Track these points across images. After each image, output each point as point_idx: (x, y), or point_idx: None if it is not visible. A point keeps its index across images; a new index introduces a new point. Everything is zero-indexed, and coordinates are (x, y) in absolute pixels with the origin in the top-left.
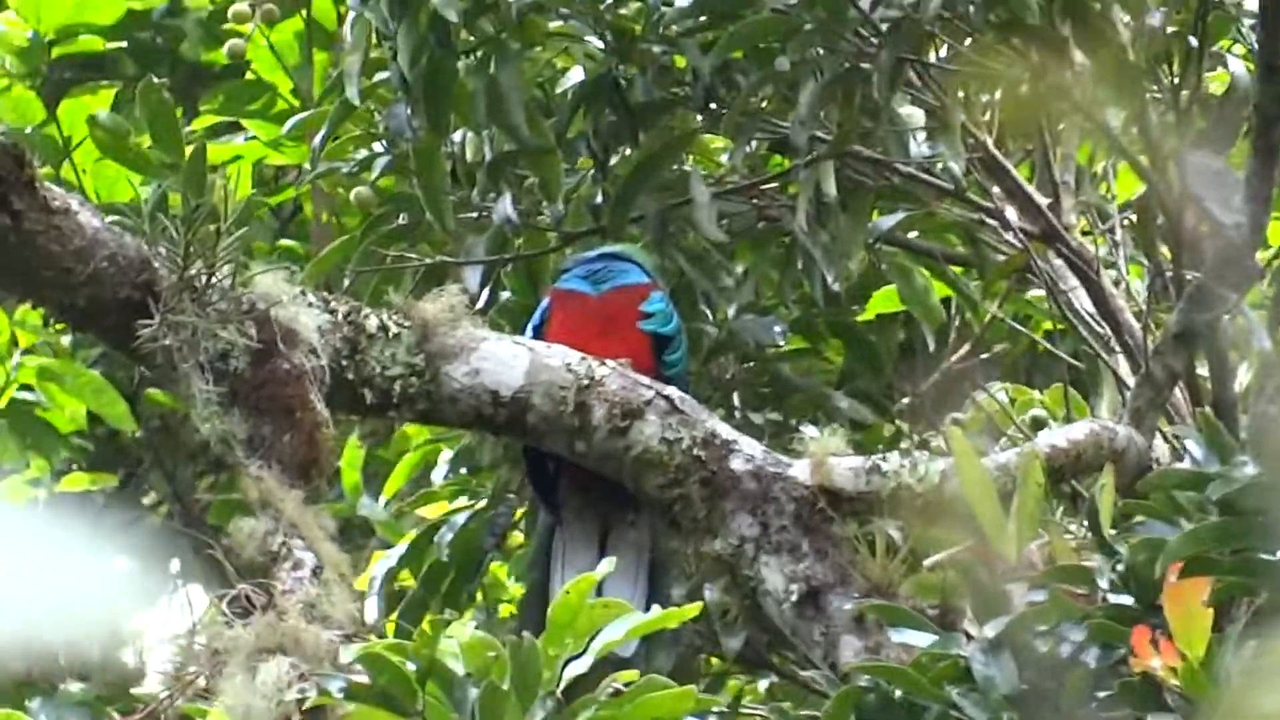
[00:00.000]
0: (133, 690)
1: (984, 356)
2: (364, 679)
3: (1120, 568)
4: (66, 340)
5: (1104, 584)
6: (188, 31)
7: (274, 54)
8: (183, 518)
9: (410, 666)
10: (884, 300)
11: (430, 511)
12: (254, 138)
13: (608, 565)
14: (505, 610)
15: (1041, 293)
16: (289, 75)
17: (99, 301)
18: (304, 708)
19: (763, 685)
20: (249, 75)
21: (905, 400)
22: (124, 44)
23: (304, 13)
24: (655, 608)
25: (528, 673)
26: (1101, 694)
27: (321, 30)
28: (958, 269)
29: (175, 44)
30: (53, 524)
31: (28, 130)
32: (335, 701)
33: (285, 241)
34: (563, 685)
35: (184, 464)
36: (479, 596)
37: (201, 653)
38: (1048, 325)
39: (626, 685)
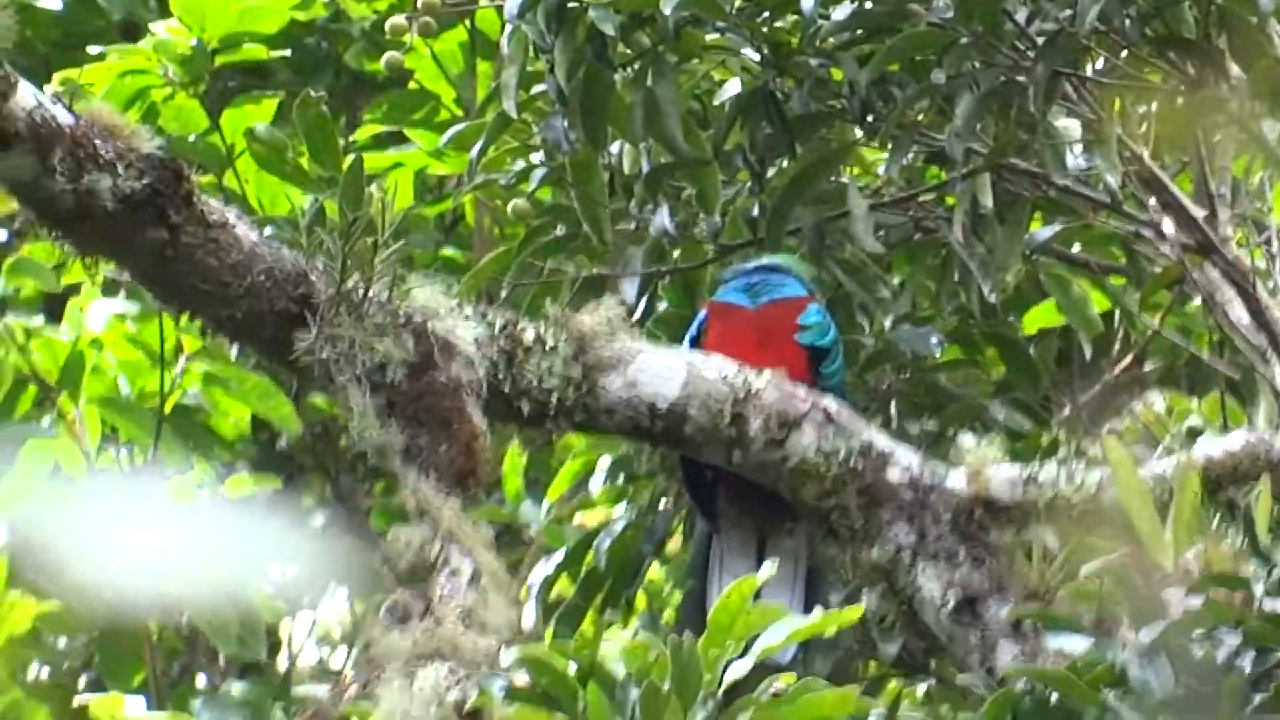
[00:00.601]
0: (294, 692)
1: (1146, 370)
2: (525, 681)
3: (1276, 574)
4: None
5: (1259, 590)
6: (352, 39)
7: (437, 63)
8: (343, 522)
9: (571, 668)
10: (1043, 314)
11: (588, 519)
12: (417, 147)
13: (770, 568)
14: (667, 617)
15: (1199, 303)
16: (452, 85)
17: (256, 314)
18: (465, 709)
19: (920, 690)
20: (412, 84)
21: (1065, 412)
22: (287, 53)
23: (467, 22)
24: (817, 610)
25: (688, 674)
26: (1257, 698)
27: (485, 39)
28: (1115, 280)
29: (339, 52)
30: (219, 523)
31: (190, 139)
32: (496, 702)
33: (447, 250)
34: (723, 687)
35: (345, 469)
36: (641, 603)
37: (361, 658)
38: (1205, 337)
39: (786, 688)
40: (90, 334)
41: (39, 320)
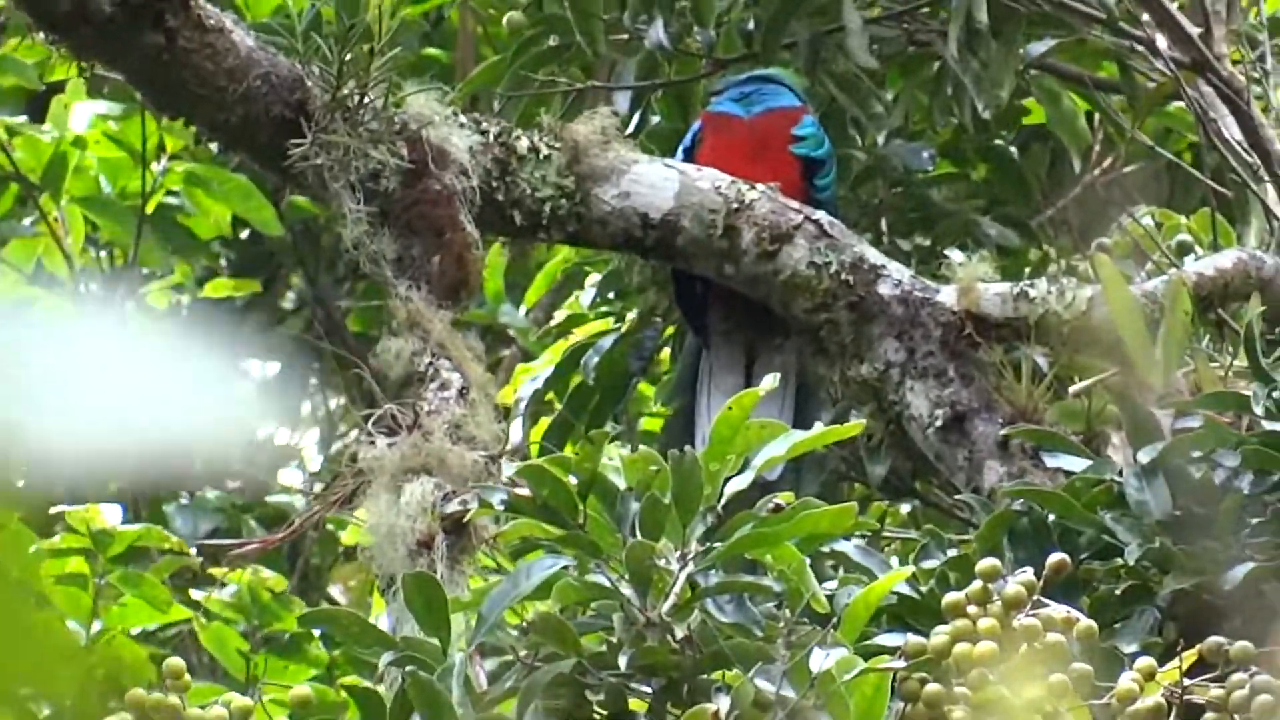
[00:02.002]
0: (268, 499)
1: (1127, 170)
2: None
3: (1276, 394)
4: (212, 146)
5: (1259, 410)
6: None
7: None
8: (324, 324)
9: (572, 480)
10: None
11: (578, 333)
12: None
13: (771, 380)
14: (646, 424)
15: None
16: None
17: (251, 120)
18: (465, 520)
19: (904, 510)
20: None
21: (1047, 214)
22: None
23: None
24: (816, 424)
25: (689, 488)
26: (1254, 520)
27: None
28: (1106, 96)
29: None
30: (190, 331)
31: None
32: (496, 513)
33: (430, 50)
34: (723, 501)
35: (326, 270)
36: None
37: (346, 470)
38: (1185, 142)
39: (785, 504)
40: (73, 133)
41: (22, 119)
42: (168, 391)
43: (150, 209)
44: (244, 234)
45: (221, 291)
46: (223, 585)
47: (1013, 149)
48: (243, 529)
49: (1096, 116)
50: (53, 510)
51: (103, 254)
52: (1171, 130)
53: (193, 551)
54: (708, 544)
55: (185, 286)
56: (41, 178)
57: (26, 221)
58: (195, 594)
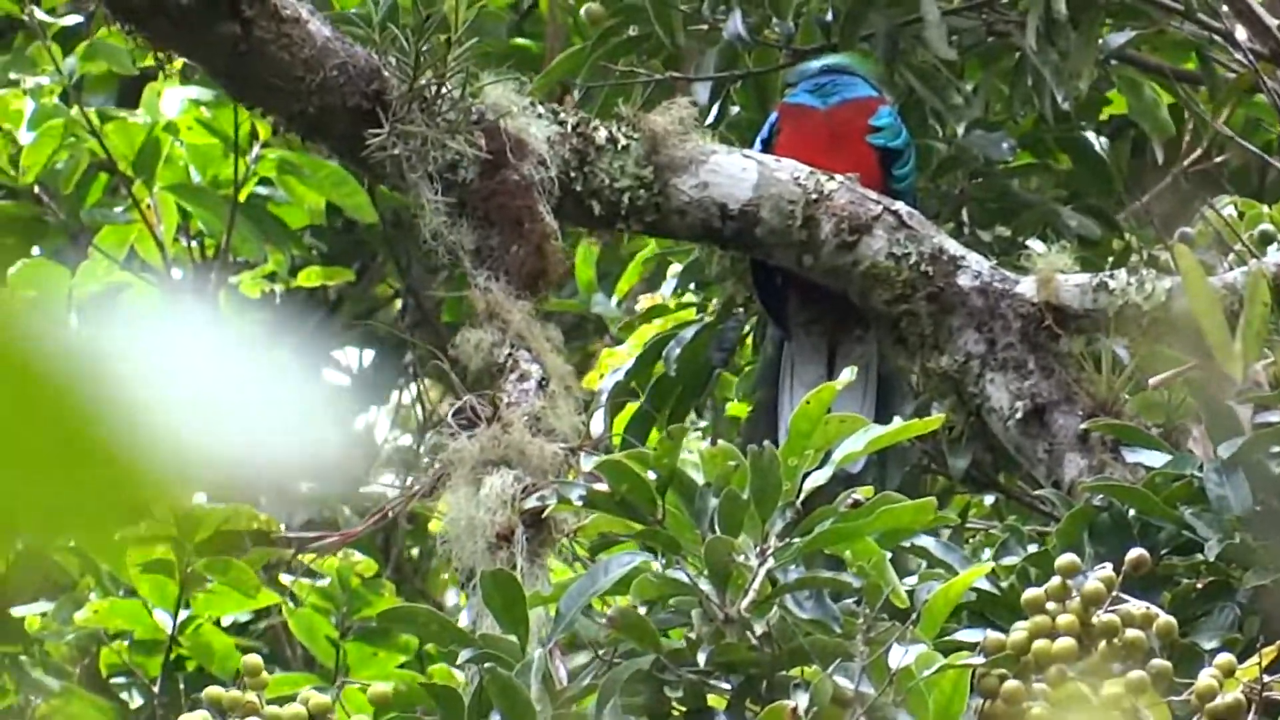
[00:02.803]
0: (361, 490)
1: (1217, 161)
2: (603, 488)
3: None
4: None
5: None
6: None
7: None
8: (415, 313)
9: (651, 476)
10: (1116, 107)
11: (662, 324)
12: None
13: (849, 374)
14: (733, 409)
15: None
16: None
17: (329, 110)
18: (544, 514)
19: (988, 502)
20: None
21: (1135, 205)
22: None
23: None
24: (896, 419)
25: (767, 483)
26: None
27: None
28: (1188, 87)
29: None
30: (283, 320)
31: None
32: (575, 508)
33: (519, 40)
34: (802, 496)
35: (419, 259)
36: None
37: (428, 462)
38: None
39: (865, 499)
40: (165, 119)
41: (113, 105)
42: (259, 382)
43: (243, 197)
44: (338, 223)
45: (314, 280)
46: (313, 575)
47: (1095, 139)
48: (339, 520)
49: (1185, 111)
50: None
51: (194, 243)
52: (1261, 121)
53: (283, 530)
54: (787, 540)
55: (278, 275)
56: (134, 165)
57: (119, 210)
58: (285, 578)
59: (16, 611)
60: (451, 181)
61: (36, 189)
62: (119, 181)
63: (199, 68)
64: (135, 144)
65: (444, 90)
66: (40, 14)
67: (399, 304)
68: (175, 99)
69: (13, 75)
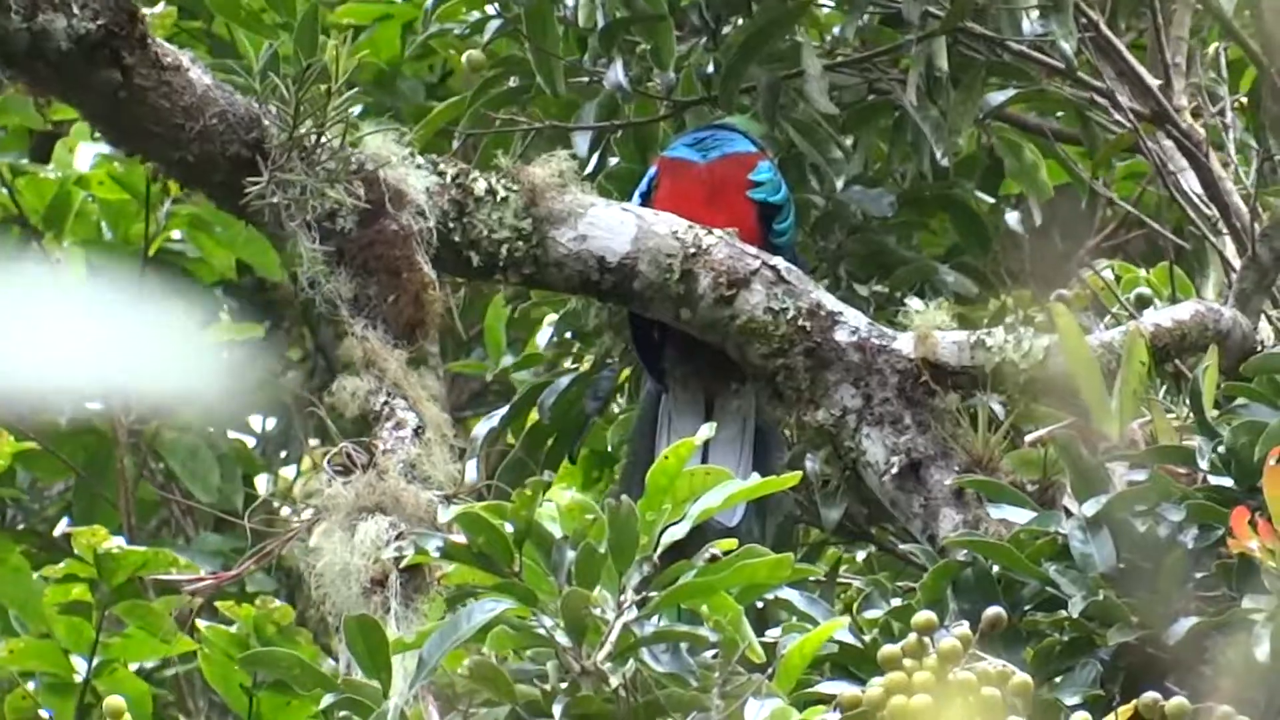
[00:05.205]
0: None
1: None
2: (462, 539)
3: (1221, 449)
4: None
5: (1204, 465)
6: None
7: None
8: (325, 372)
9: (508, 528)
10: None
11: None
12: None
13: (707, 430)
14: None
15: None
16: None
17: (208, 157)
18: (401, 565)
19: (860, 556)
20: None
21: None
22: None
23: None
24: (755, 475)
25: (624, 537)
26: (1199, 574)
27: None
28: (1068, 148)
29: None
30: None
31: None
32: (432, 560)
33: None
34: (659, 550)
35: (326, 319)
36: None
37: (303, 509)
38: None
39: (725, 554)
40: (76, 173)
41: (25, 160)
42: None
43: (153, 252)
44: (247, 279)
45: (224, 337)
46: (229, 622)
47: (973, 197)
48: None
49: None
50: (58, 532)
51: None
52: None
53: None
54: (644, 593)
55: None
56: (44, 219)
57: (28, 264)
58: (202, 624)
59: None
60: (330, 230)
61: None
62: (30, 235)
63: (79, 113)
64: (46, 198)
65: (324, 139)
66: None
67: (309, 365)
68: (88, 154)
69: None
